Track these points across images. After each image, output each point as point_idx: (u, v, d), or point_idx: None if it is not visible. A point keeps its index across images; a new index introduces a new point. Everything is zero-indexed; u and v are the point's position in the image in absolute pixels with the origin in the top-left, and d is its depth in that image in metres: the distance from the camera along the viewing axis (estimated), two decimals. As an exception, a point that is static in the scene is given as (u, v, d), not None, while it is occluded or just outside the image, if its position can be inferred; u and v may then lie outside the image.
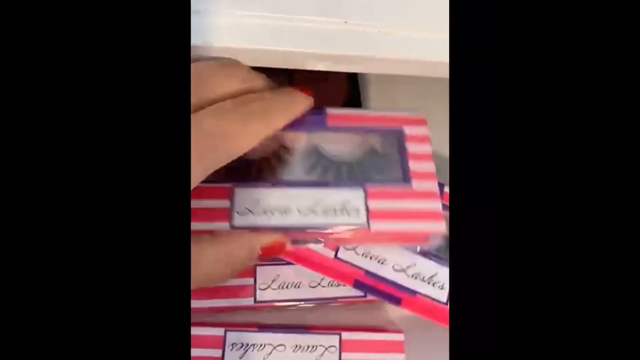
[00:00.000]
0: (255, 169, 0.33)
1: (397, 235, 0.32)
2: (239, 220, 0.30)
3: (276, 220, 0.30)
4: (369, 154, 0.34)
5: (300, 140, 0.34)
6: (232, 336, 0.37)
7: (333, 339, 0.38)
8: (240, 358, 0.36)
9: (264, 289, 0.38)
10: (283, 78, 0.46)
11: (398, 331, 0.39)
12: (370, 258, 0.35)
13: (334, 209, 0.31)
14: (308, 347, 0.38)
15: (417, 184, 0.32)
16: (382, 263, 0.35)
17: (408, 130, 0.34)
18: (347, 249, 0.35)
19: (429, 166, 0.33)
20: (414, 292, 0.35)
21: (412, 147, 0.34)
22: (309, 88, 0.33)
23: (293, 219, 0.30)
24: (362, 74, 0.48)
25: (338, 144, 0.34)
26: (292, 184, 0.32)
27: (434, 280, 0.36)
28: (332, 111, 0.34)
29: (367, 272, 0.35)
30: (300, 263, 0.35)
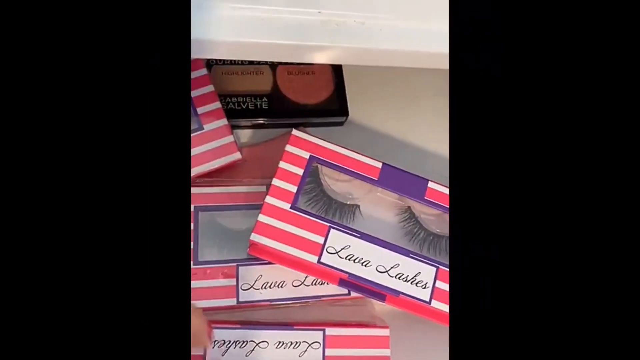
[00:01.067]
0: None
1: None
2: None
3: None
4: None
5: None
6: (214, 333, 0.36)
7: (317, 335, 0.38)
8: (222, 355, 0.36)
9: (247, 289, 0.38)
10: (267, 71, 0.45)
11: (384, 326, 0.39)
12: (354, 261, 0.35)
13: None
14: (291, 343, 0.37)
15: None
16: (365, 265, 0.35)
17: None
18: (330, 253, 0.35)
19: None
20: (397, 293, 0.35)
21: None
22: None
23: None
24: (347, 68, 0.47)
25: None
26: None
27: (417, 280, 0.35)
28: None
29: (351, 275, 0.35)
30: (284, 264, 0.35)
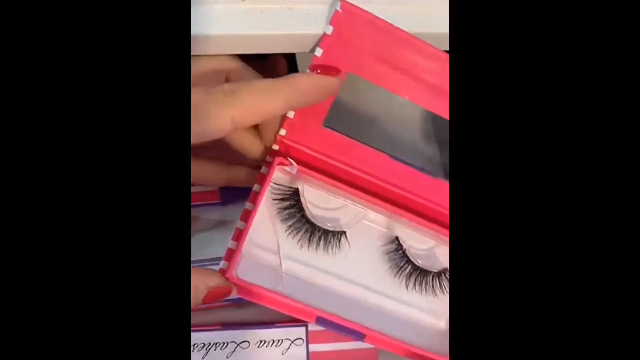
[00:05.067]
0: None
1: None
2: None
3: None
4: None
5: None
6: (194, 336, 0.35)
7: (299, 331, 0.36)
8: (203, 358, 0.34)
9: None
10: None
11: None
12: None
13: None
14: (273, 341, 0.36)
15: None
16: None
17: None
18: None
19: None
20: None
21: None
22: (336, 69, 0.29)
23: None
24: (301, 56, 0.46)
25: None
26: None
27: None
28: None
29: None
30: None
